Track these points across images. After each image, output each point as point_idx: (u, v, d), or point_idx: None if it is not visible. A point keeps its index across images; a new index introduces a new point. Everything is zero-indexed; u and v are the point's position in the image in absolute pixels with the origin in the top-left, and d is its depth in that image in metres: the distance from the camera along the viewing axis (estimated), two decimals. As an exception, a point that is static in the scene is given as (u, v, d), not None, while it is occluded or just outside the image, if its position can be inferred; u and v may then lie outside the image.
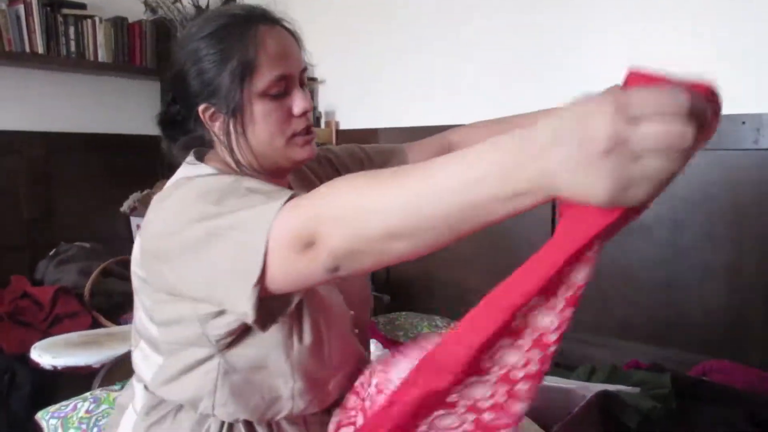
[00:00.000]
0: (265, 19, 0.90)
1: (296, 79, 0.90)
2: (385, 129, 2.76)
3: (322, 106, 3.02)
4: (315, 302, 0.91)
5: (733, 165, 1.89)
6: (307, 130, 0.92)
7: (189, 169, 0.91)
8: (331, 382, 0.94)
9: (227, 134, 0.89)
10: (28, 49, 2.62)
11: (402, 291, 2.72)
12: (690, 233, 1.98)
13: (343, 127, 2.96)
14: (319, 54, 2.99)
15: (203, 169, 0.90)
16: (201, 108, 0.89)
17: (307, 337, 0.88)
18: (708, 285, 1.95)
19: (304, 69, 0.93)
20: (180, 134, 0.96)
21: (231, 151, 0.90)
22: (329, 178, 0.96)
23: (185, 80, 0.90)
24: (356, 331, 1.03)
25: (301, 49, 0.94)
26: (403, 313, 2.40)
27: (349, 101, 2.93)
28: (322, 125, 2.98)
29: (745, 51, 1.86)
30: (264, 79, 0.86)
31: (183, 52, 0.90)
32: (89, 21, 2.81)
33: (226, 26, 0.87)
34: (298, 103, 0.89)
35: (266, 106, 0.87)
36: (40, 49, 2.64)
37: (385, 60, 2.76)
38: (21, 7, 2.57)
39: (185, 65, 0.89)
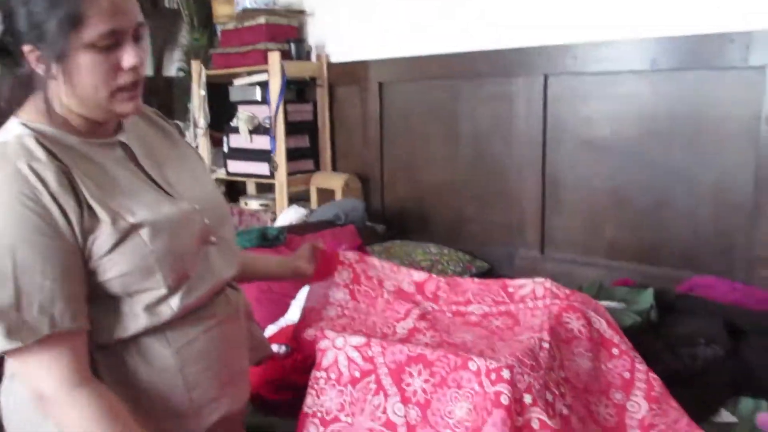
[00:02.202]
0: None
1: (129, 33, 0.89)
2: (377, 61, 2.74)
3: (312, 40, 2.99)
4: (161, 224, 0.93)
5: (721, 84, 1.89)
6: (134, 85, 0.92)
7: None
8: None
9: (50, 80, 0.88)
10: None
11: (397, 221, 2.77)
12: (680, 152, 2.00)
13: (334, 60, 2.93)
14: (306, -15, 2.94)
15: (10, 129, 0.89)
16: (26, 49, 0.88)
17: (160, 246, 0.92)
18: (696, 204, 1.99)
19: (140, 24, 0.92)
20: (12, 66, 0.93)
21: (46, 100, 0.89)
22: (158, 152, 1.03)
23: (13, 17, 0.87)
24: (213, 239, 1.05)
25: (137, 3, 0.92)
26: (398, 241, 2.46)
27: (339, 33, 2.89)
28: (313, 59, 2.95)
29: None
30: (93, 31, 0.85)
31: None
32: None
33: None
34: (127, 57, 0.89)
35: (93, 57, 0.86)
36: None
37: (374, -11, 2.71)
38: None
39: (14, 2, 0.86)
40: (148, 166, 1.01)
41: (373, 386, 1.16)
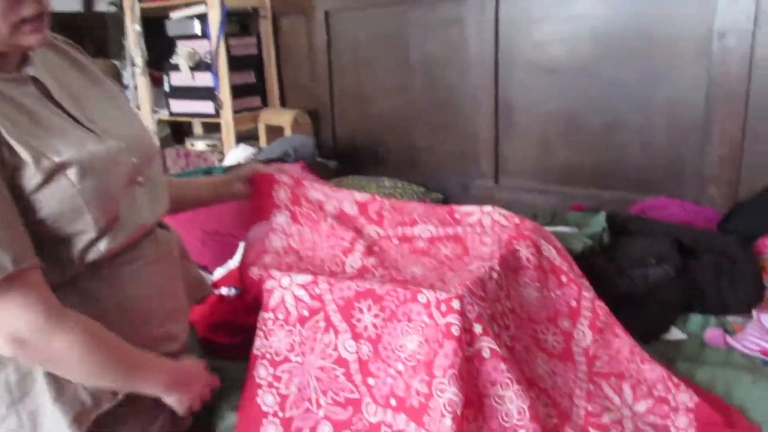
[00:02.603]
0: None
1: None
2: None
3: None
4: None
5: (674, 1, 1.84)
6: (39, 17, 0.85)
7: None
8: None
9: None
10: None
11: (349, 156, 2.70)
12: (632, 73, 1.96)
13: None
14: None
15: None
16: None
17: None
18: (648, 124, 1.97)
19: None
20: None
21: None
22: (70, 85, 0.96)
23: None
24: (140, 179, 1.00)
25: None
26: (350, 176, 2.40)
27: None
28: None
29: None
30: None
31: None
32: None
33: None
34: None
35: None
36: None
37: None
38: None
39: None
40: (66, 102, 0.94)
41: (322, 324, 1.13)
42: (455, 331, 1.00)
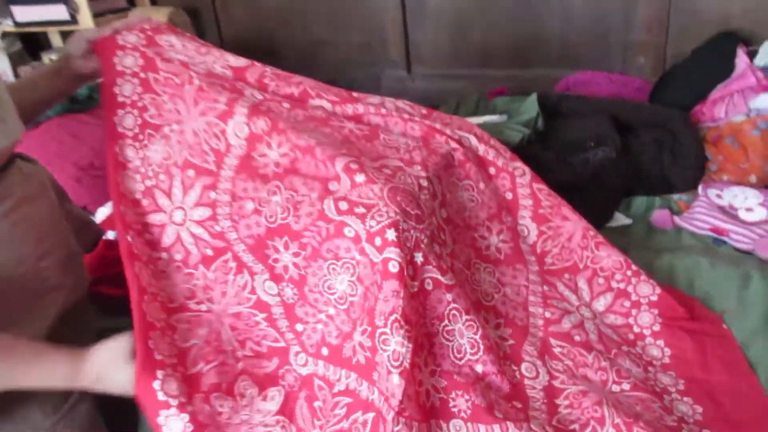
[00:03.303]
0: None
1: None
2: None
3: None
4: None
5: None
6: None
7: None
8: None
9: None
10: None
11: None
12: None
13: None
14: None
15: None
16: None
17: None
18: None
19: None
20: None
21: None
22: None
23: None
24: None
25: None
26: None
27: None
28: None
29: None
30: None
31: None
32: None
33: None
34: None
35: None
36: None
37: None
38: None
39: None
40: None
41: (232, 264, 0.94)
42: (394, 267, 0.83)
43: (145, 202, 0.96)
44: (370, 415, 0.81)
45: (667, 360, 0.99)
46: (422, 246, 0.87)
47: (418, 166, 0.98)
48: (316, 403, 0.87)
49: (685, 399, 0.92)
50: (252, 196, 0.95)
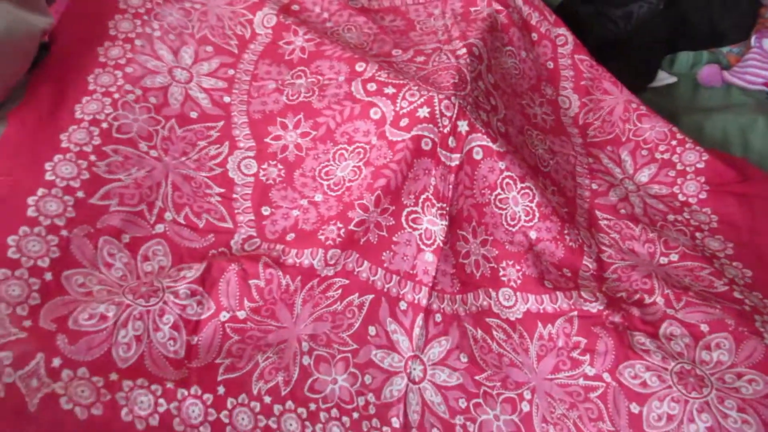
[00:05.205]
0: None
1: None
2: None
3: None
4: None
5: None
6: None
7: None
8: None
9: None
10: None
11: None
12: None
13: None
14: None
15: None
16: None
17: None
18: None
19: None
20: None
21: None
22: None
23: None
24: None
25: None
26: None
27: None
28: None
29: None
30: None
31: None
32: None
33: None
34: None
35: None
36: None
37: None
38: None
39: None
40: None
41: (214, 134, 0.87)
42: (426, 145, 0.81)
43: (138, 43, 0.88)
44: (368, 297, 0.79)
45: (714, 225, 0.97)
46: (466, 113, 0.82)
47: (457, 41, 0.93)
48: (252, 281, 0.75)
49: (734, 264, 0.91)
50: (275, 78, 0.92)
